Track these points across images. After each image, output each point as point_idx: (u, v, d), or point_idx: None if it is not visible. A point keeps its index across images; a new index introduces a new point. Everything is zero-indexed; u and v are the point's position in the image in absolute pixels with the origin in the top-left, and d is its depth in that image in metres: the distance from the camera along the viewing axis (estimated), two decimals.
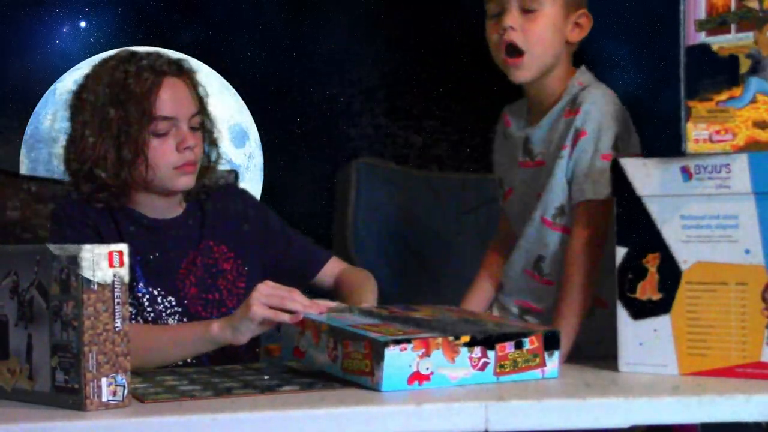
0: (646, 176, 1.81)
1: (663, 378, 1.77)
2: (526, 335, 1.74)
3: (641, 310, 1.82)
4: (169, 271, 2.15)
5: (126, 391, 1.57)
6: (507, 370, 1.72)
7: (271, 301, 1.83)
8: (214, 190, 2.27)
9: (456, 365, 1.69)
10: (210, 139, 2.22)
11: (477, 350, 1.70)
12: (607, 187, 1.92)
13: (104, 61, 2.16)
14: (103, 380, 1.55)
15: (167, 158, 2.10)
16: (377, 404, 1.59)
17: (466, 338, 1.70)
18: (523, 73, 2.10)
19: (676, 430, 1.96)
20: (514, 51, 2.08)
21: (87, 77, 2.15)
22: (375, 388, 1.66)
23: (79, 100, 2.14)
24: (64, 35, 3.98)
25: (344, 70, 4.05)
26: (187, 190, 2.17)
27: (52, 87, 3.91)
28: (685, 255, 1.79)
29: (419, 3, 3.97)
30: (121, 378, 1.56)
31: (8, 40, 3.86)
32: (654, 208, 1.81)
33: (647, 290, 1.82)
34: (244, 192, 2.37)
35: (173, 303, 2.13)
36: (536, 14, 2.08)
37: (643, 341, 1.82)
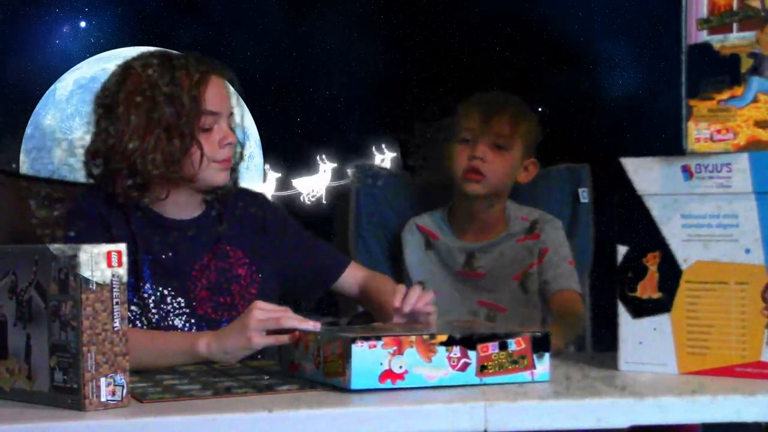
0: (646, 175, 1.81)
1: (663, 377, 1.77)
2: (511, 336, 1.70)
3: (641, 309, 1.82)
4: (182, 272, 2.14)
5: (125, 391, 1.56)
6: (491, 371, 1.69)
7: (268, 325, 1.83)
8: (234, 190, 2.26)
9: (433, 365, 1.66)
10: (240, 138, 2.23)
11: (456, 350, 1.67)
12: (577, 283, 2.52)
13: (142, 59, 2.13)
14: (102, 380, 1.54)
15: (211, 153, 2.10)
16: (377, 404, 1.58)
17: (442, 337, 1.67)
18: (477, 188, 2.51)
19: (677, 429, 1.96)
20: (477, 172, 2.49)
21: (124, 75, 2.11)
22: (345, 387, 1.63)
23: (115, 97, 2.10)
24: (64, 35, 3.99)
25: (344, 70, 4.05)
26: (223, 185, 2.17)
27: (52, 87, 3.91)
28: (685, 254, 1.79)
29: (419, 3, 3.97)
30: (120, 378, 1.56)
31: (8, 40, 3.86)
32: (654, 207, 1.81)
33: (647, 289, 1.81)
34: (263, 197, 2.36)
35: (182, 304, 2.11)
36: (504, 152, 2.50)
37: (642, 340, 1.81)
